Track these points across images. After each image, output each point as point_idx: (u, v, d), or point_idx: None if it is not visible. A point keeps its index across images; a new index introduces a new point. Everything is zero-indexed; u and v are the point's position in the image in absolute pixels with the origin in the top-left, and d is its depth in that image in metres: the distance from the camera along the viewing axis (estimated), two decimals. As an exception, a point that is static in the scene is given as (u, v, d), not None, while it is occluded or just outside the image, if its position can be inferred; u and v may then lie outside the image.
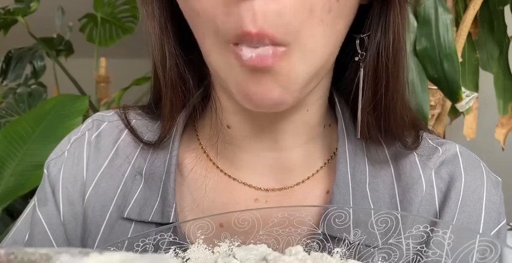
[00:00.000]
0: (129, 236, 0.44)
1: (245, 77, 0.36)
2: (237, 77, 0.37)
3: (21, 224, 0.49)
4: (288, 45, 0.35)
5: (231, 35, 0.35)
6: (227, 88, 0.40)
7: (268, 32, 0.34)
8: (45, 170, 0.49)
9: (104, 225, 0.46)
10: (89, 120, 0.52)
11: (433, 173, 0.46)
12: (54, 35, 1.99)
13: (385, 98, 0.43)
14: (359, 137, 0.45)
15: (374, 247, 0.37)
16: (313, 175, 0.47)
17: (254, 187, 0.47)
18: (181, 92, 0.46)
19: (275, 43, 0.34)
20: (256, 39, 0.34)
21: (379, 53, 0.43)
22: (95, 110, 1.58)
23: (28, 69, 1.92)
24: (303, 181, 0.47)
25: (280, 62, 0.35)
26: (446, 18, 0.89)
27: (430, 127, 0.53)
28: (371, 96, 0.44)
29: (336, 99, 0.48)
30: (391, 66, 0.43)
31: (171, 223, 0.44)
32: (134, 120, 0.51)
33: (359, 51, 0.44)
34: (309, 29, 0.35)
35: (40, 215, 0.47)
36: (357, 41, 0.44)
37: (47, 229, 0.47)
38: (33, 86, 1.71)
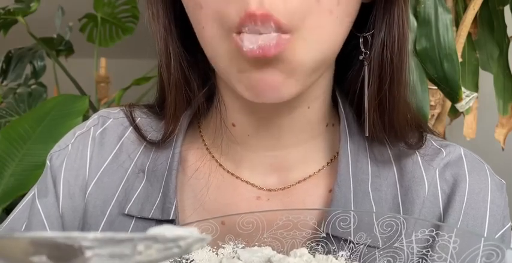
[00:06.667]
0: (129, 232, 0.44)
1: (247, 65, 0.36)
2: (239, 66, 0.37)
3: (19, 213, 0.49)
4: (292, 32, 0.35)
5: (235, 21, 0.34)
6: (229, 81, 0.40)
7: (273, 15, 0.33)
8: (47, 162, 0.50)
9: (104, 220, 0.47)
10: (95, 116, 0.52)
11: (436, 174, 0.46)
12: (54, 35, 1.99)
13: (389, 94, 0.44)
14: (367, 134, 0.45)
15: (378, 250, 0.37)
16: (315, 173, 0.48)
17: (257, 186, 0.47)
18: (185, 93, 0.46)
19: (280, 28, 0.34)
20: (260, 22, 0.33)
21: (384, 49, 0.43)
22: (95, 110, 1.58)
23: (28, 69, 1.92)
24: (304, 179, 0.47)
25: (284, 51, 0.35)
26: (446, 18, 0.89)
27: (431, 128, 0.53)
28: (376, 93, 0.44)
29: (339, 99, 0.48)
30: (396, 61, 0.43)
31: (171, 219, 0.44)
32: (139, 119, 0.51)
33: (363, 49, 0.44)
34: (317, 19, 0.35)
35: (39, 206, 0.48)
36: (361, 40, 0.44)
37: (45, 221, 0.47)
38: (33, 86, 1.71)
